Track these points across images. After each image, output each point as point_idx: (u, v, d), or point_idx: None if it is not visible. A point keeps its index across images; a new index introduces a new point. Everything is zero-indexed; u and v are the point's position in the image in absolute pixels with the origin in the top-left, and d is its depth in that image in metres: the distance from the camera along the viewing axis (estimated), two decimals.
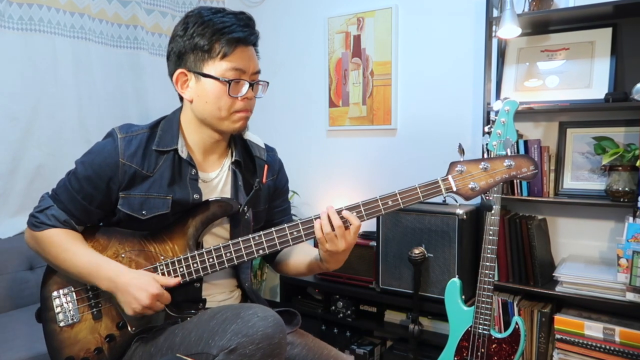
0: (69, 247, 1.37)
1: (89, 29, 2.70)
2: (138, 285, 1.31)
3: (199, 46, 1.34)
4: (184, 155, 1.41)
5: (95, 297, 1.40)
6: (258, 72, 1.42)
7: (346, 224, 1.33)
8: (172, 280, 1.36)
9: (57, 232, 1.38)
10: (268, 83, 1.46)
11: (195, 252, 1.38)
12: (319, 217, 1.34)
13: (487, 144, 1.98)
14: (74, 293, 1.41)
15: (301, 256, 1.56)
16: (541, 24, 2.35)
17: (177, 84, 1.41)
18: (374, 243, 2.51)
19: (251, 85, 1.38)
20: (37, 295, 1.45)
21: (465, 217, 2.25)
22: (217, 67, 1.35)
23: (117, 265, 1.36)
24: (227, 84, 1.34)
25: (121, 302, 1.34)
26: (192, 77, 1.38)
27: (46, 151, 2.53)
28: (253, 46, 1.41)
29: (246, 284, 1.53)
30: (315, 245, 1.49)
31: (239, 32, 1.34)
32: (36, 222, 1.40)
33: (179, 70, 1.39)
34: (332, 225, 1.32)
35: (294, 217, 1.65)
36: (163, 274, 1.38)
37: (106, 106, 2.80)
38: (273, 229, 1.36)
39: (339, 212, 1.33)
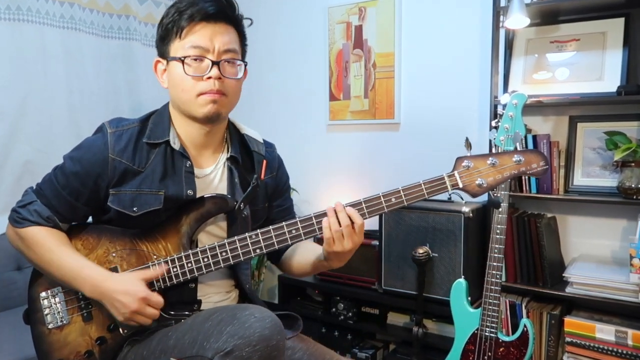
0: (52, 247, 1.35)
1: (79, 19, 2.69)
2: (123, 289, 1.30)
3: (166, 30, 1.36)
4: (176, 146, 1.40)
5: (85, 298, 1.39)
6: (229, 50, 1.37)
7: (351, 222, 1.31)
8: (158, 270, 1.35)
9: (40, 231, 1.37)
10: (245, 63, 1.43)
11: (190, 251, 1.37)
12: (325, 215, 1.33)
13: (494, 139, 1.97)
14: (62, 294, 1.40)
15: (306, 255, 1.54)
16: (550, 14, 2.34)
17: (157, 73, 1.43)
18: (376, 242, 2.51)
19: (215, 63, 1.34)
20: (25, 296, 1.44)
21: (471, 215, 2.24)
22: (177, 47, 1.35)
23: (101, 271, 1.34)
24: (181, 62, 1.34)
25: (110, 310, 1.33)
26: (165, 64, 1.40)
27: (35, 146, 2.53)
28: (226, 23, 1.37)
29: (247, 285, 1.53)
30: (315, 242, 1.48)
31: (200, 6, 1.33)
32: (18, 217, 1.39)
33: (155, 59, 1.42)
34: (339, 223, 1.31)
35: (295, 215, 1.65)
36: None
37: (97, 100, 2.80)
38: (271, 226, 1.35)
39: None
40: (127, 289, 1.30)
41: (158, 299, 1.32)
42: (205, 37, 1.34)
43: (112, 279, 1.33)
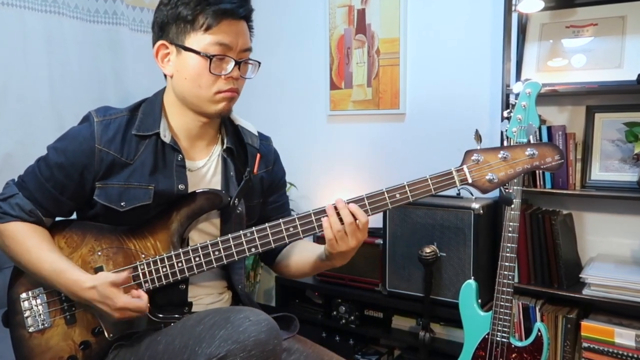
0: (31, 248, 1.36)
1: (63, 2, 2.67)
2: (100, 300, 1.29)
3: (182, 16, 1.34)
4: (166, 139, 1.41)
5: (68, 299, 1.39)
6: (248, 49, 1.41)
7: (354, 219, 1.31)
8: (122, 276, 1.32)
9: (21, 228, 1.38)
10: (259, 63, 1.45)
11: (180, 249, 1.37)
12: (326, 214, 1.32)
13: (506, 131, 1.97)
14: (44, 295, 1.40)
15: (305, 254, 1.55)
16: None
17: (158, 57, 1.42)
18: (380, 241, 2.50)
19: (238, 63, 1.37)
20: (5, 297, 1.44)
21: (481, 212, 2.24)
22: (199, 40, 1.34)
23: (78, 276, 1.32)
24: (209, 60, 1.34)
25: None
26: (174, 50, 1.39)
27: (15, 138, 2.52)
28: (245, 21, 1.40)
29: (239, 286, 1.53)
30: (315, 241, 1.48)
31: (227, 3, 1.33)
32: None
33: (160, 42, 1.40)
34: (341, 221, 1.31)
35: (291, 212, 1.64)
36: (144, 274, 1.37)
37: (81, 88, 2.78)
38: (267, 224, 1.35)
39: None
40: (102, 299, 1.28)
41: (138, 304, 1.30)
42: (231, 35, 1.35)
43: (89, 289, 1.30)
